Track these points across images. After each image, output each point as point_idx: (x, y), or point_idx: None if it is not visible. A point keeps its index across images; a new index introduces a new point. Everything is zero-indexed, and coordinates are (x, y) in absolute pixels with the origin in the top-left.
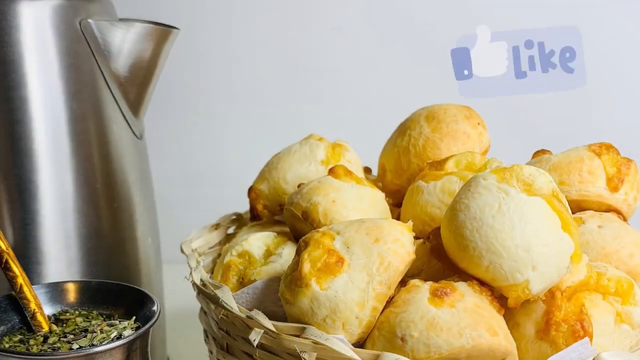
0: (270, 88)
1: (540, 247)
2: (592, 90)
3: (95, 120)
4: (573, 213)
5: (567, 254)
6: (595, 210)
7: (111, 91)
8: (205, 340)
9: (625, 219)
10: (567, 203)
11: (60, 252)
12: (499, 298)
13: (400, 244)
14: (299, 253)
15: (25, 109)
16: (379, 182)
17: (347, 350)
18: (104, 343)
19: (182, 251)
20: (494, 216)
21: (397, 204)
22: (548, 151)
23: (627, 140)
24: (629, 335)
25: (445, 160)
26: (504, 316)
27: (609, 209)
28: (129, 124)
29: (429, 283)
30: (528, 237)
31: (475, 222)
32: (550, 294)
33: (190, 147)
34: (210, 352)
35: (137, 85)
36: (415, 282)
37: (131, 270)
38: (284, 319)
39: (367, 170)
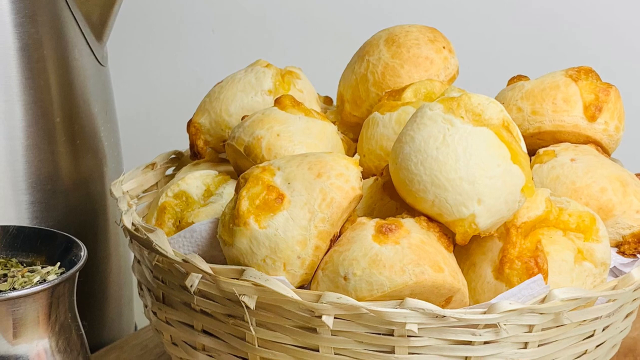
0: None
1: (485, 180)
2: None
3: (53, 45)
4: (548, 145)
5: (517, 187)
6: (573, 143)
7: (72, 12)
8: (139, 294)
9: (606, 152)
10: (520, 133)
11: (6, 195)
12: (449, 235)
13: (344, 179)
14: (237, 190)
15: None
16: (339, 113)
17: (288, 291)
18: (25, 287)
19: (111, 194)
20: (438, 148)
21: (356, 139)
22: (525, 77)
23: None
24: (591, 273)
25: (404, 89)
26: (461, 257)
27: (587, 141)
28: (91, 49)
29: (375, 220)
30: (472, 169)
31: (419, 154)
32: (506, 230)
33: (157, 76)
34: (145, 305)
35: (101, 4)
36: (361, 219)
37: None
38: (224, 263)
39: (328, 100)
